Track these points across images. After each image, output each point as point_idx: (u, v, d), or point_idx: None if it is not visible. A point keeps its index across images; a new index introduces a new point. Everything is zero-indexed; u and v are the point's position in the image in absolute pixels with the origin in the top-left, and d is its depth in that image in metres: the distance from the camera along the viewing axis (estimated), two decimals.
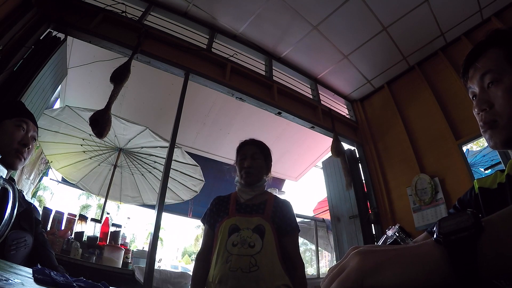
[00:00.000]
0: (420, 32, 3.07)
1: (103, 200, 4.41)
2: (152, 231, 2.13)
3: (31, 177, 3.84)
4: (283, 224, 1.24)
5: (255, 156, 1.36)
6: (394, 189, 3.27)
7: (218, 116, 4.38)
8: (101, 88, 3.47)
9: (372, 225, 3.29)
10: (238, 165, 1.38)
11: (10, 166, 0.96)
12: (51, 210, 2.31)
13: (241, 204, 1.30)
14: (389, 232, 1.10)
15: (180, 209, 4.77)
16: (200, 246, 1.34)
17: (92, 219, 2.60)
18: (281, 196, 1.43)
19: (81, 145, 3.82)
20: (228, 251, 1.14)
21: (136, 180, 4.42)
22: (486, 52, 0.65)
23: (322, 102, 3.64)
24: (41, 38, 2.15)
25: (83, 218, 2.50)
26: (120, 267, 2.27)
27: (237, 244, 1.14)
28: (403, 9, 2.83)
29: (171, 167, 2.51)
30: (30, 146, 1.02)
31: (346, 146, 3.67)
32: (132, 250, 2.68)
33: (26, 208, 1.01)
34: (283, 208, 1.31)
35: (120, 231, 2.53)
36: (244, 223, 1.20)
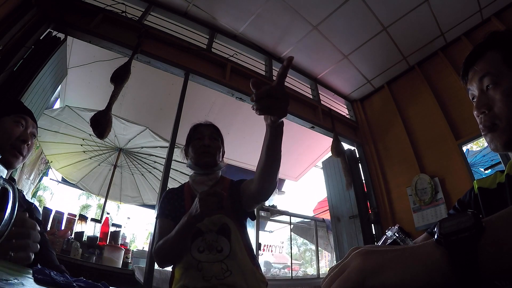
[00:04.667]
0: (420, 32, 3.07)
1: (103, 200, 4.41)
2: (152, 231, 2.13)
3: (31, 177, 3.84)
4: (239, 193, 1.13)
5: (213, 136, 1.24)
6: (394, 189, 3.27)
7: (218, 116, 4.38)
8: (101, 88, 3.47)
9: (372, 225, 3.29)
10: (193, 146, 1.22)
11: (8, 164, 0.94)
12: (51, 210, 2.31)
13: None
14: (389, 233, 1.10)
15: None
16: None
17: (92, 219, 2.60)
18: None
19: (81, 145, 3.82)
20: (195, 258, 1.03)
21: (136, 180, 4.42)
22: (484, 54, 0.66)
23: (322, 102, 3.64)
24: (41, 38, 2.15)
25: (83, 218, 2.50)
26: (120, 267, 2.27)
27: (204, 250, 1.03)
28: (403, 9, 2.84)
29: (171, 167, 2.51)
30: (30, 143, 0.99)
31: (346, 146, 3.67)
32: (132, 250, 2.68)
33: (26, 209, 1.01)
34: (237, 185, 1.18)
35: (120, 231, 2.53)
36: (206, 224, 1.06)
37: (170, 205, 1.18)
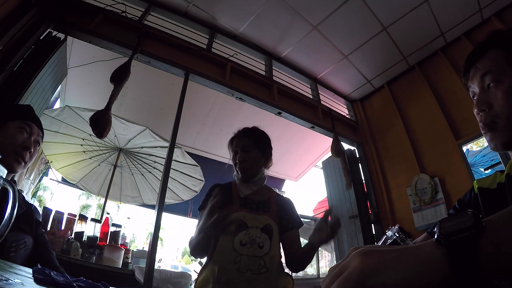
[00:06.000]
0: (420, 32, 3.07)
1: (103, 200, 4.41)
2: (152, 231, 2.13)
3: (31, 177, 3.84)
4: (288, 223, 1.22)
5: (246, 148, 1.26)
6: (394, 189, 3.27)
7: (218, 116, 4.38)
8: (101, 88, 3.47)
9: (372, 225, 3.29)
10: (232, 161, 1.30)
11: (10, 169, 0.94)
12: (51, 210, 2.31)
13: (244, 199, 1.23)
14: (389, 233, 1.10)
15: (180, 209, 4.77)
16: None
17: (92, 219, 2.60)
18: None
19: (81, 145, 3.82)
20: (236, 251, 1.07)
21: (136, 180, 4.41)
22: (487, 52, 0.65)
23: (322, 102, 3.64)
24: (41, 38, 2.15)
25: (83, 218, 2.50)
26: (120, 267, 2.27)
27: (246, 243, 1.08)
28: (403, 9, 2.84)
29: (171, 167, 2.51)
30: (32, 150, 1.00)
31: (346, 146, 3.67)
32: (132, 250, 2.68)
33: (26, 210, 1.01)
34: (287, 206, 1.27)
35: (120, 231, 2.53)
36: (252, 220, 1.13)
37: None
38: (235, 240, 1.09)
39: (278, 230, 1.17)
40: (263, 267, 1.06)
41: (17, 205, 0.60)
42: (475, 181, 0.77)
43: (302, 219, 1.31)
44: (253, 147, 1.27)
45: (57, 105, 3.99)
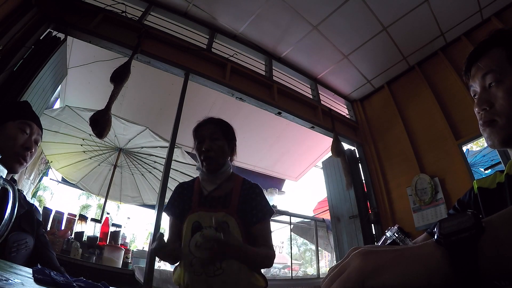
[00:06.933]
0: (420, 32, 3.07)
1: (103, 200, 4.41)
2: (152, 231, 2.13)
3: (31, 177, 3.84)
4: (251, 214, 1.12)
5: (214, 136, 1.20)
6: (394, 189, 3.27)
7: (218, 116, 4.37)
8: (101, 88, 3.47)
9: (372, 225, 3.29)
10: (197, 150, 1.22)
11: (11, 170, 0.94)
12: (51, 210, 2.31)
13: (205, 197, 1.16)
14: (388, 233, 1.10)
15: None
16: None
17: (92, 219, 2.60)
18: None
19: (81, 145, 3.82)
20: (192, 253, 1.05)
21: (136, 180, 4.42)
22: (489, 51, 0.65)
23: (322, 102, 3.64)
24: (41, 38, 2.15)
25: (83, 218, 2.50)
26: (120, 267, 2.27)
27: (201, 245, 1.04)
28: (403, 9, 2.84)
29: (171, 167, 2.51)
30: (33, 150, 1.00)
31: (346, 146, 3.67)
32: (132, 250, 2.68)
33: (27, 210, 1.01)
34: (252, 195, 1.16)
35: (120, 231, 2.53)
36: (207, 220, 1.08)
37: (178, 201, 1.20)
38: (191, 242, 1.06)
39: (240, 224, 1.09)
40: (219, 269, 1.01)
41: (17, 205, 0.60)
42: (475, 181, 0.77)
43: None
44: (221, 135, 1.22)
45: (57, 105, 3.99)
